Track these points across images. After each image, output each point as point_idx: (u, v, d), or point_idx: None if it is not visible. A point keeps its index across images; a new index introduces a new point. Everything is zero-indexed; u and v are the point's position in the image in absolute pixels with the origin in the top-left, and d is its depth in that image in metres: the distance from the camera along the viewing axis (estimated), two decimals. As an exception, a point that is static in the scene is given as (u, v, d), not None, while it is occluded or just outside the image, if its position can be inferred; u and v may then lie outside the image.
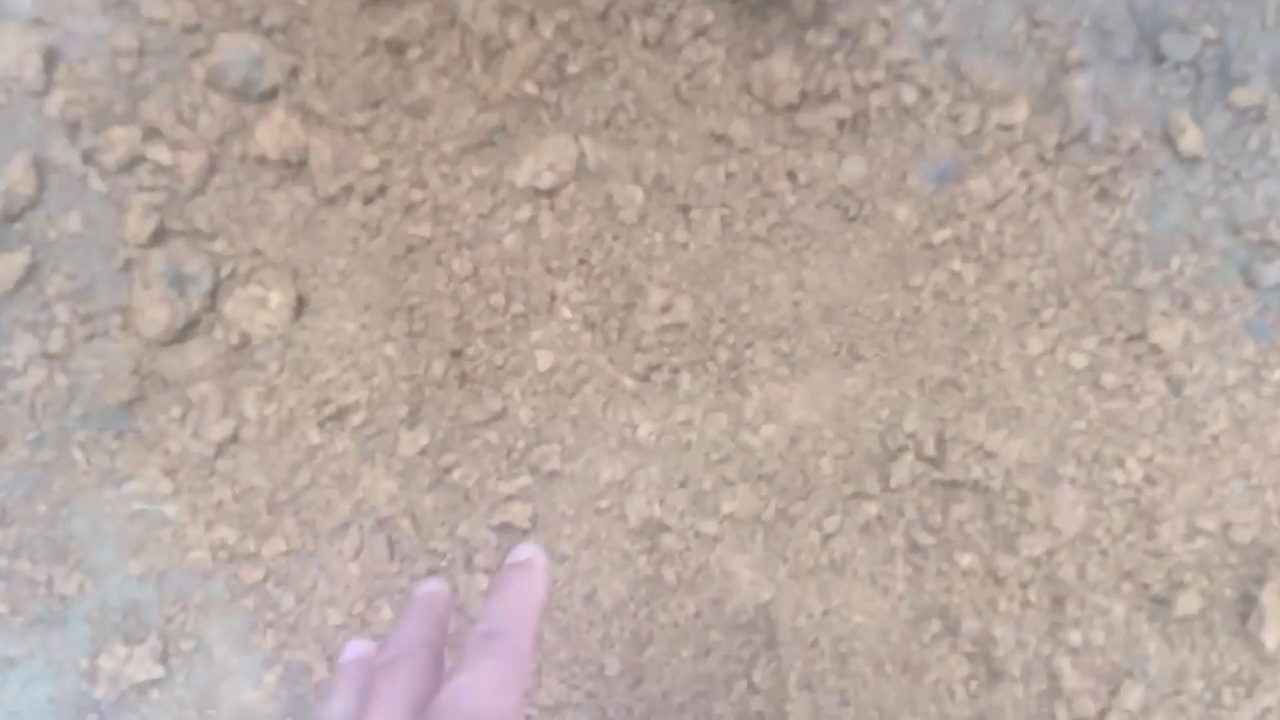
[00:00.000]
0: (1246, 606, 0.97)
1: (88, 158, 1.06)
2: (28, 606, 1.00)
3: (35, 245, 1.04)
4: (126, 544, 1.01)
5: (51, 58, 1.06)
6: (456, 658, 0.46)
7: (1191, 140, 1.05)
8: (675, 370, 1.01)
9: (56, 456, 1.02)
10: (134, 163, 1.06)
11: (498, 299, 1.01)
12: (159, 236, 1.04)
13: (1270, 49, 1.06)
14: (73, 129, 1.06)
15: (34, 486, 1.01)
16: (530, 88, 1.03)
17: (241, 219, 1.05)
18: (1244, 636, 0.97)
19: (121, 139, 1.05)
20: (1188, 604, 0.97)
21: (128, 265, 1.04)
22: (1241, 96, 1.05)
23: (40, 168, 1.05)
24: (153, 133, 1.06)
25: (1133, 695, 0.95)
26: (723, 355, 1.01)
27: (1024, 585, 0.97)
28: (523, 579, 0.49)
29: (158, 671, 0.98)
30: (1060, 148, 1.06)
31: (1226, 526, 0.99)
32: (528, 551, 0.51)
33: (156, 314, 1.01)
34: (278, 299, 1.02)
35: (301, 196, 1.05)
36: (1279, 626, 0.95)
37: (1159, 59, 1.08)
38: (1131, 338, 1.02)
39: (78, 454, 1.02)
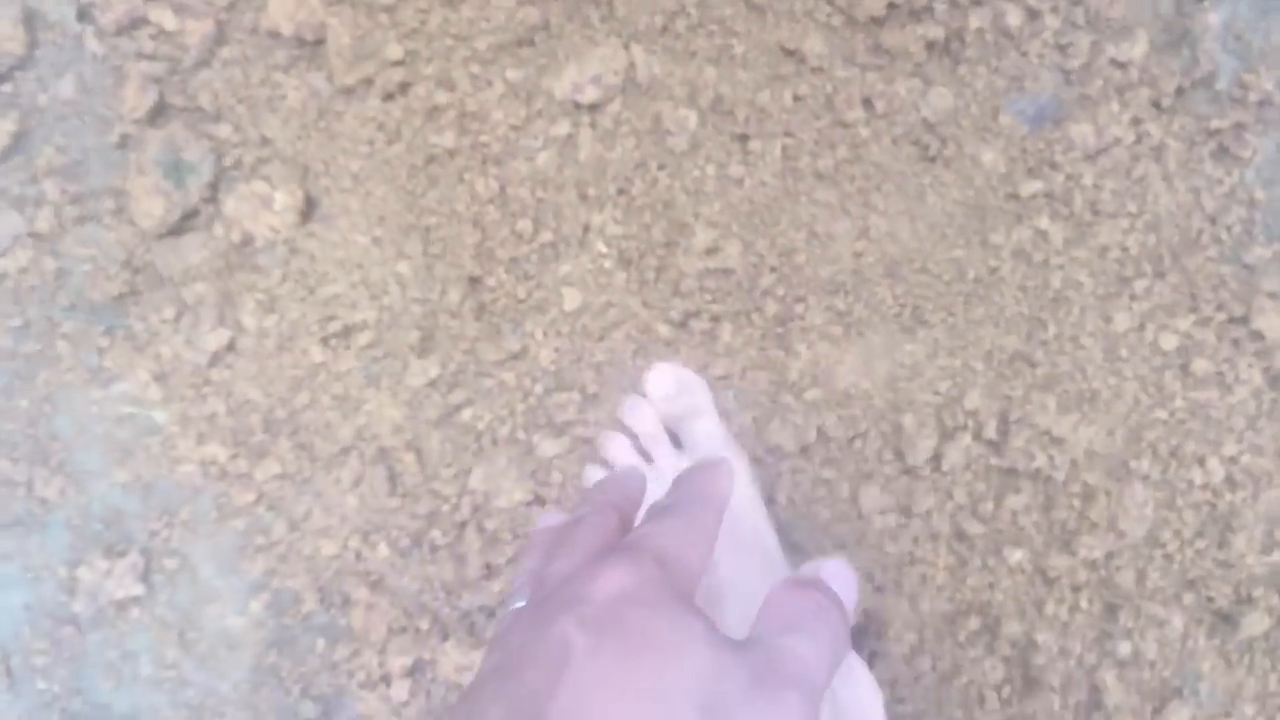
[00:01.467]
0: (1318, 630, 0.89)
1: (84, 14, 0.95)
2: (7, 507, 0.93)
3: (24, 111, 0.94)
4: (112, 449, 0.94)
5: (44, -109, 0.94)
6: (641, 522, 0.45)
7: (1332, 96, 0.92)
8: (716, 319, 0.90)
9: (41, 349, 0.94)
10: (134, 25, 0.95)
11: (524, 225, 0.90)
12: (158, 113, 0.94)
13: None
14: (68, -21, 0.95)
15: (15, 379, 0.94)
16: (579, -21, 0.90)
17: (249, 100, 0.94)
18: (1310, 663, 0.89)
19: (121, -5, 0.94)
20: (1253, 623, 0.88)
21: (123, 142, 0.94)
22: (1399, 51, 0.91)
23: (31, 23, 0.95)
24: (156, -10, 0.95)
25: (1179, 716, 0.87)
26: (770, 308, 0.90)
27: (1076, 589, 0.88)
28: (708, 473, 0.48)
29: (138, 589, 0.92)
30: (1180, 93, 0.92)
31: (1309, 542, 0.89)
32: (717, 457, 0.49)
33: (152, 204, 0.91)
34: (283, 199, 0.91)
35: (316, 83, 0.93)
36: (1352, 658, 0.87)
37: (1308, -5, 0.93)
38: (1231, 320, 0.91)
39: (63, 347, 0.94)
